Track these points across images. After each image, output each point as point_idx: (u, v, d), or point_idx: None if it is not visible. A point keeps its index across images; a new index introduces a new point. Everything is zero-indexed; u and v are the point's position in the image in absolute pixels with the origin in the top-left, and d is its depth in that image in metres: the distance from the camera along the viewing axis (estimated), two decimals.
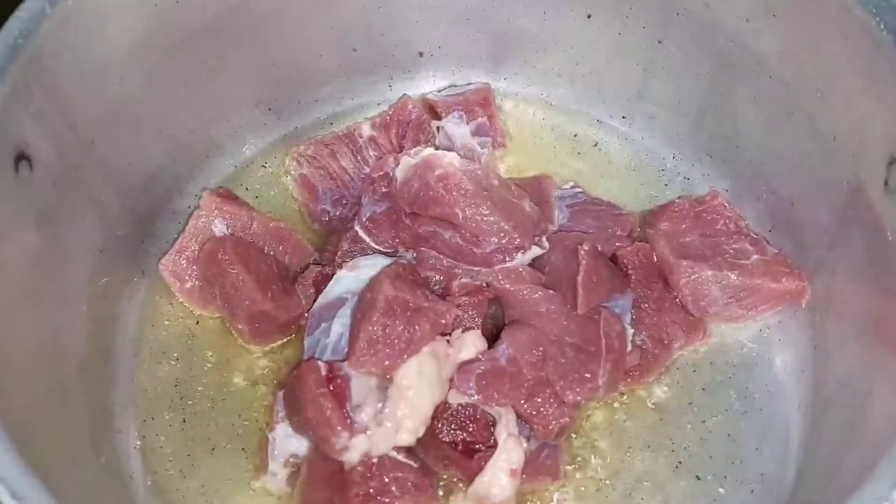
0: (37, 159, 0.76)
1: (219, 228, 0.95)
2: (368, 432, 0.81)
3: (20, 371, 0.69)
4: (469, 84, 1.12)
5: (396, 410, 0.82)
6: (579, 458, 0.89)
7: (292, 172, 1.04)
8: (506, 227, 0.91)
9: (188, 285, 0.95)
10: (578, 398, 0.84)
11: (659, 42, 0.99)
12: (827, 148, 0.85)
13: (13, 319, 0.71)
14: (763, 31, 0.87)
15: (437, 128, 1.06)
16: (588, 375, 0.84)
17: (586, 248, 0.88)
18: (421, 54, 1.10)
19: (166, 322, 0.96)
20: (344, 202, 1.02)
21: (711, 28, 0.93)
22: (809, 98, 0.85)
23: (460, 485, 0.86)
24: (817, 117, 0.85)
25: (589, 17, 1.02)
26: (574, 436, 0.90)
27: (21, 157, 0.73)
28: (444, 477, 0.86)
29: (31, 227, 0.75)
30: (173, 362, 0.94)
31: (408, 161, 0.96)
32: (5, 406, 0.63)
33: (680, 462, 0.88)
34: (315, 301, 0.92)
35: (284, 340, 0.95)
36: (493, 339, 0.90)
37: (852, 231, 0.83)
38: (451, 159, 0.94)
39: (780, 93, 0.89)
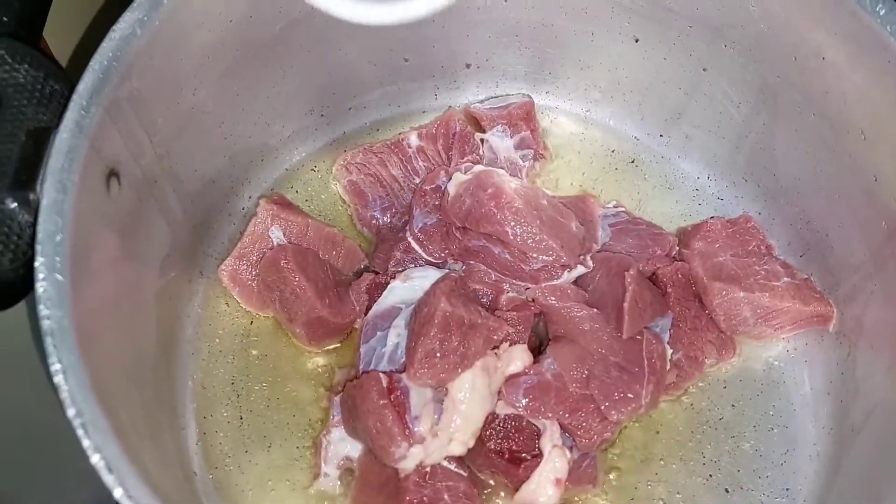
0: (124, 175, 0.79)
1: (276, 235, 0.99)
2: (424, 442, 0.86)
3: (113, 378, 0.73)
4: (510, 95, 1.15)
5: (451, 422, 0.87)
6: (615, 468, 0.94)
7: (341, 180, 1.07)
8: (553, 246, 0.96)
9: (246, 289, 0.98)
10: (622, 417, 0.89)
11: (704, 70, 1.03)
12: (867, 187, 0.89)
13: (102, 324, 0.75)
14: (810, 71, 0.91)
15: (482, 140, 1.09)
16: (632, 396, 0.89)
17: (633, 273, 0.93)
18: (468, 66, 1.13)
19: (222, 321, 1.00)
20: (393, 210, 1.06)
21: (758, 62, 0.96)
22: (852, 139, 0.89)
23: (502, 493, 0.91)
24: (859, 157, 0.89)
25: (637, 41, 1.05)
26: (611, 446, 0.95)
27: (112, 174, 0.76)
28: (491, 484, 0.91)
29: (115, 239, 0.79)
30: (229, 361, 0.98)
31: (459, 177, 1.00)
32: (110, 409, 0.66)
33: (710, 475, 0.94)
34: (368, 308, 0.97)
35: (337, 343, 0.99)
36: (535, 352, 0.95)
37: (888, 269, 0.87)
38: (502, 177, 0.98)
39: (822, 130, 0.93)
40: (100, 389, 0.64)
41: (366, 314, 0.97)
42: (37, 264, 0.64)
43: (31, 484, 0.96)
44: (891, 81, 0.82)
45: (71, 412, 0.60)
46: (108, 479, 0.59)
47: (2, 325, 0.82)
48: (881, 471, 0.80)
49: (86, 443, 0.59)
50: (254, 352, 0.98)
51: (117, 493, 0.59)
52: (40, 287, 0.64)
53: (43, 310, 0.63)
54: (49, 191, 0.68)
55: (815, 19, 0.86)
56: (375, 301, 0.96)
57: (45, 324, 0.62)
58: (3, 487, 0.96)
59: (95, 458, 0.59)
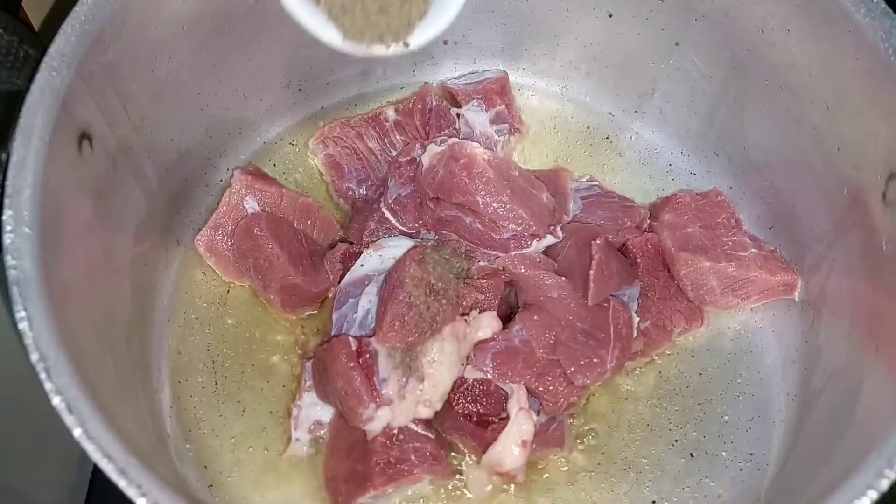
0: (96, 138, 0.80)
1: (250, 205, 1.00)
2: (392, 405, 0.87)
3: (82, 332, 0.74)
4: (486, 71, 1.17)
5: (419, 385, 0.88)
6: (585, 433, 0.95)
7: (318, 154, 1.09)
8: (523, 216, 0.97)
9: (222, 259, 1.00)
10: (587, 381, 0.91)
11: (676, 44, 1.05)
12: (830, 157, 0.90)
13: (75, 286, 0.76)
14: (777, 44, 0.93)
15: (458, 115, 1.10)
16: (597, 361, 0.91)
17: (599, 242, 0.94)
18: (445, 43, 1.14)
19: (199, 290, 1.01)
20: (369, 183, 1.07)
21: (728, 35, 0.98)
22: (817, 110, 0.91)
23: (470, 455, 0.93)
24: (823, 128, 0.91)
25: (610, 16, 1.07)
26: (579, 412, 0.96)
27: (84, 137, 0.78)
28: (459, 446, 0.93)
29: (88, 202, 0.80)
30: (206, 329, 0.99)
31: (434, 149, 1.01)
32: (76, 358, 0.67)
33: (676, 440, 0.95)
34: (342, 277, 0.98)
35: (312, 311, 1.01)
36: (506, 319, 0.96)
37: (849, 236, 0.89)
38: (474, 149, 0.99)
39: (788, 102, 0.95)
40: (67, 340, 0.66)
41: (340, 283, 0.98)
42: (4, 217, 0.66)
43: (16, 468, 0.97)
44: (851, 51, 0.84)
45: (34, 356, 0.62)
46: (68, 419, 0.61)
47: None
48: (835, 430, 0.81)
49: (48, 385, 0.61)
50: (229, 321, 1.00)
51: (76, 432, 0.60)
52: (7, 238, 0.65)
53: (10, 260, 0.64)
54: (19, 147, 0.69)
55: None
56: (349, 270, 0.98)
57: (12, 273, 0.64)
58: None
59: (56, 400, 0.61)
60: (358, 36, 0.79)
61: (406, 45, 0.80)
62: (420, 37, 0.81)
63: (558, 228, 1.00)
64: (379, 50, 0.80)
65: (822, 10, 0.86)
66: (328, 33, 0.79)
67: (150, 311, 0.97)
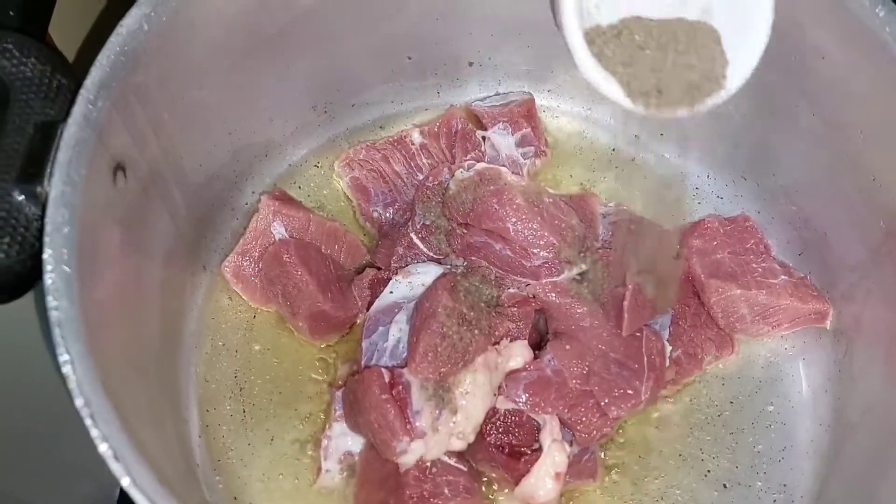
0: (129, 168, 0.79)
1: (278, 231, 0.99)
2: (425, 437, 0.86)
3: (118, 369, 0.73)
4: (511, 93, 1.16)
5: (452, 417, 0.87)
6: (615, 463, 0.95)
7: (344, 177, 1.08)
8: (554, 242, 0.96)
9: (249, 285, 0.99)
10: (622, 413, 0.90)
11: None
12: (865, 186, 0.89)
13: (107, 316, 0.75)
14: (811, 71, 0.92)
15: (483, 137, 1.10)
16: (631, 392, 0.90)
17: (633, 271, 0.93)
18: (470, 64, 1.14)
19: (225, 316, 1.00)
20: (396, 206, 1.06)
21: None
22: (852, 138, 0.90)
23: (502, 487, 0.92)
24: (858, 157, 0.90)
25: None
26: (610, 441, 0.96)
27: (118, 167, 0.77)
28: (492, 478, 0.92)
29: (120, 233, 0.79)
30: (232, 355, 0.98)
31: (462, 174, 1.00)
32: (114, 397, 0.66)
33: (708, 471, 0.95)
34: (370, 303, 0.97)
35: (339, 337, 1.00)
36: (535, 347, 0.96)
37: (886, 267, 0.88)
38: (504, 174, 0.99)
39: (821, 129, 0.94)
40: (106, 380, 0.65)
41: (368, 309, 0.97)
42: (45, 256, 0.65)
43: (31, 479, 0.96)
44: (889, 82, 0.83)
45: (79, 402, 0.61)
46: (115, 467, 0.60)
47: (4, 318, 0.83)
48: (877, 467, 0.81)
49: (94, 432, 0.60)
50: (256, 346, 0.99)
51: (125, 481, 0.59)
52: (48, 278, 0.64)
53: (51, 301, 0.64)
54: (57, 183, 0.68)
55: (816, 19, 0.87)
56: (377, 296, 0.97)
57: (54, 315, 0.63)
58: (3, 483, 0.96)
59: (103, 448, 0.60)
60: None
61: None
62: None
63: (589, 255, 0.99)
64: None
65: (860, 40, 0.85)
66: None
67: (177, 339, 0.96)
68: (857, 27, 0.83)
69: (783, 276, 1.01)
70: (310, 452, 0.94)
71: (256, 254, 0.99)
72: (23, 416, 0.94)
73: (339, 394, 0.93)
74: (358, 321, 0.99)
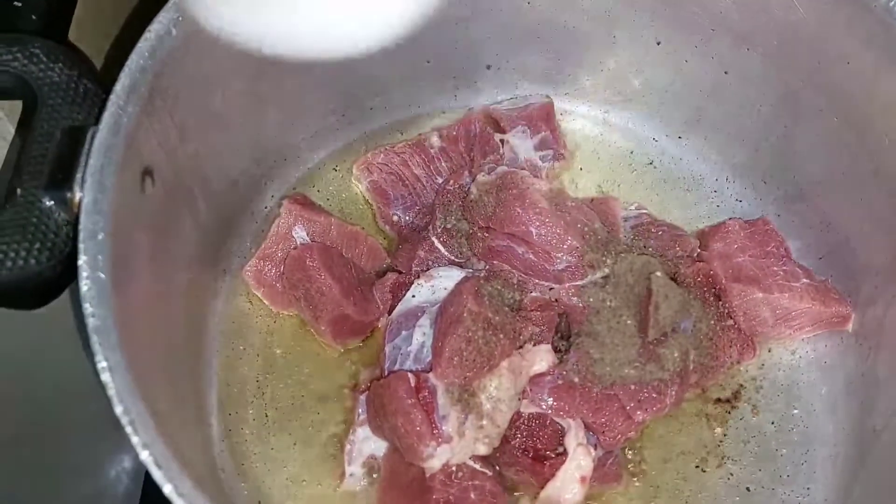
0: (157, 174, 0.79)
1: (300, 235, 0.99)
2: (452, 442, 0.86)
3: (151, 374, 0.73)
4: (530, 97, 1.16)
5: (478, 422, 0.87)
6: (638, 466, 0.95)
7: (363, 181, 1.08)
8: (577, 246, 0.96)
9: (271, 289, 0.99)
10: (647, 417, 0.90)
11: (725, 73, 1.04)
12: (890, 192, 0.90)
13: (139, 322, 0.75)
14: (835, 76, 0.92)
15: (502, 141, 1.10)
16: (657, 396, 0.90)
17: (658, 275, 0.93)
18: (488, 67, 1.13)
19: (246, 320, 1.00)
20: (416, 209, 1.06)
21: (782, 66, 0.97)
22: (876, 143, 0.90)
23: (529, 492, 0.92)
24: (882, 162, 0.90)
25: (658, 43, 1.06)
26: (634, 445, 0.96)
27: (146, 173, 0.77)
28: (516, 482, 0.92)
29: (149, 238, 0.79)
30: (254, 359, 0.98)
31: (483, 178, 1.00)
32: (149, 403, 0.66)
33: (731, 474, 0.95)
34: (392, 307, 0.97)
35: (361, 341, 1.00)
36: (556, 349, 0.95)
37: None
38: (526, 178, 0.99)
39: (844, 134, 0.94)
40: (141, 387, 0.65)
41: (390, 313, 0.97)
42: (80, 262, 0.65)
43: (31, 479, 0.96)
44: None
45: (119, 409, 0.60)
46: (157, 474, 0.60)
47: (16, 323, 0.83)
48: None
49: (134, 440, 0.60)
50: (278, 350, 0.99)
51: (167, 489, 0.59)
52: (84, 285, 0.64)
53: (88, 308, 0.63)
54: (90, 190, 0.68)
55: (841, 25, 0.87)
56: (399, 300, 0.97)
57: (91, 322, 0.63)
58: (3, 483, 0.96)
59: (144, 455, 0.60)
60: None
61: None
62: None
63: (611, 258, 0.99)
64: None
65: (884, 46, 0.85)
66: None
67: (199, 343, 0.96)
68: (883, 33, 0.84)
69: (805, 280, 1.01)
70: (333, 456, 0.93)
71: (278, 258, 0.99)
72: (23, 416, 0.94)
73: (362, 398, 0.93)
74: (379, 325, 0.99)
